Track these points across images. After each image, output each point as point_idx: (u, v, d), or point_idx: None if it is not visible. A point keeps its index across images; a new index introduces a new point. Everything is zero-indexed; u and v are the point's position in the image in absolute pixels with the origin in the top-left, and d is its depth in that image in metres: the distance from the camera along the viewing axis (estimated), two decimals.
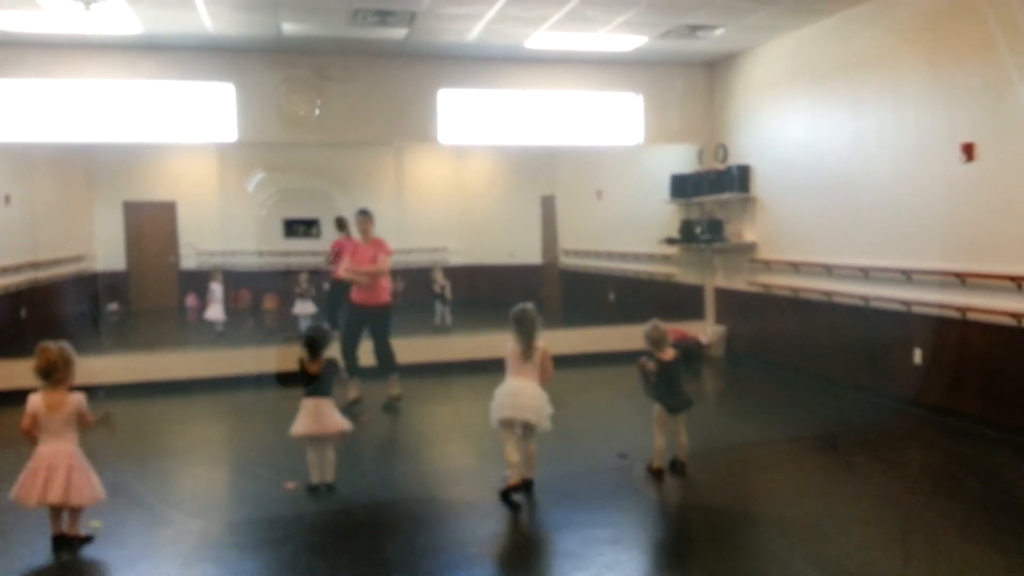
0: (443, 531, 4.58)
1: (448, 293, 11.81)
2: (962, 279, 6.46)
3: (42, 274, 10.45)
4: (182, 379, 8.46)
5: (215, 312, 11.43)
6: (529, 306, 5.11)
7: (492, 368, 5.34)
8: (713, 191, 9.73)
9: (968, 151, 6.36)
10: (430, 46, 8.78)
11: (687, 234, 10.12)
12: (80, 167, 12.64)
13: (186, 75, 8.65)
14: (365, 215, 7.60)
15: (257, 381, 8.29)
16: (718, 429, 6.74)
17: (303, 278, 11.41)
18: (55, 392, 4.26)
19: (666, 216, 10.69)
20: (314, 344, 5.19)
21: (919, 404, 6.90)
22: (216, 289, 11.52)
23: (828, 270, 7.99)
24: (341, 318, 8.32)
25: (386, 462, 6.19)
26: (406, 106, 9.27)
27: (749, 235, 9.42)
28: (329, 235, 11.67)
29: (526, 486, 5.06)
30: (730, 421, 7.27)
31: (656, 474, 5.34)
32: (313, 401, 5.12)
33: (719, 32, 8.38)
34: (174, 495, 5.27)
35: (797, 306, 8.57)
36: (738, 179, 9.34)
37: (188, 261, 13.72)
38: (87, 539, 4.33)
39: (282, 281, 12.72)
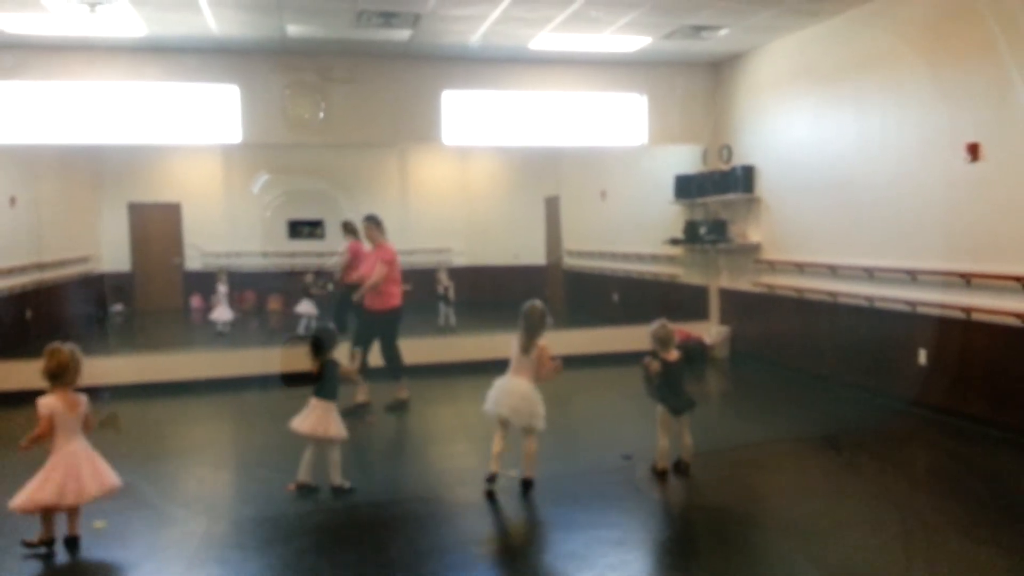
0: (447, 531, 4.59)
1: (452, 294, 11.82)
2: (967, 279, 6.44)
3: (47, 275, 10.49)
4: (187, 380, 8.47)
5: (222, 313, 11.46)
6: (538, 303, 5.15)
7: (496, 369, 5.34)
8: (717, 191, 9.72)
9: (973, 151, 6.35)
10: (434, 47, 8.79)
11: (691, 235, 10.11)
12: (85, 169, 12.67)
13: (191, 77, 8.68)
14: (371, 221, 7.59)
15: (262, 382, 8.31)
16: (722, 430, 6.73)
17: (309, 278, 11.43)
18: (65, 393, 4.29)
19: (670, 217, 10.69)
20: (319, 344, 5.21)
21: (923, 404, 6.89)
22: (222, 290, 11.56)
23: (832, 270, 7.98)
24: (349, 321, 8.33)
25: (390, 463, 6.20)
26: (410, 107, 9.28)
27: (753, 236, 9.41)
28: (333, 236, 11.69)
29: (524, 486, 5.07)
30: (734, 422, 7.27)
31: (660, 475, 5.33)
32: (315, 402, 5.14)
33: (723, 33, 8.38)
34: (179, 495, 5.28)
35: (801, 307, 8.56)
36: (742, 179, 9.34)
37: (193, 262, 13.76)
38: (77, 539, 4.33)
39: (287, 282, 12.74)
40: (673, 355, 5.39)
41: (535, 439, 5.11)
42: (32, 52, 8.21)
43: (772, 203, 9.12)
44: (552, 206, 14.10)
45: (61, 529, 4.32)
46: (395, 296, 7.56)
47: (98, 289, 12.76)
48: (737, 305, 9.86)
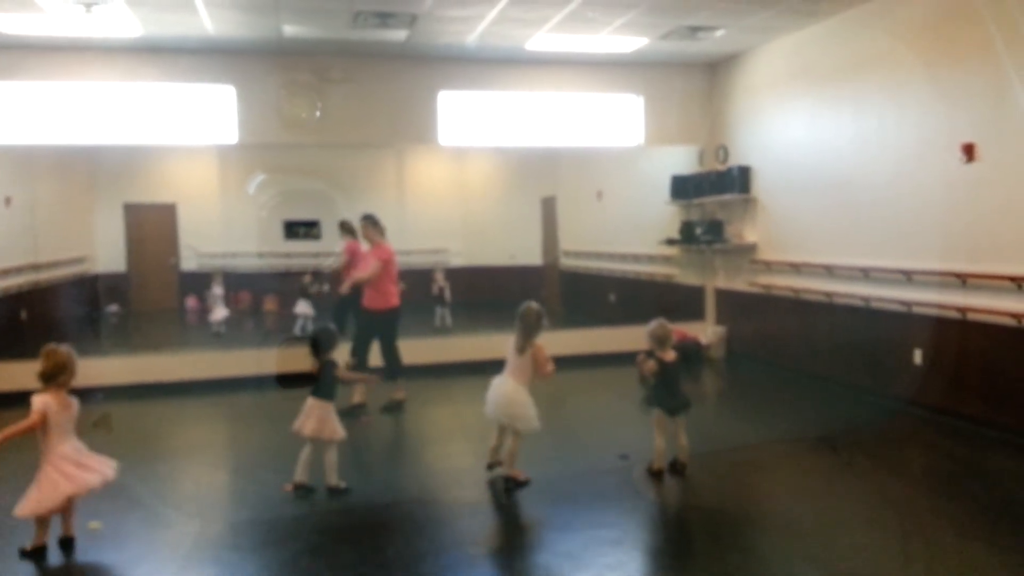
0: (444, 532, 4.58)
1: (448, 294, 11.81)
2: (962, 279, 6.46)
3: (43, 276, 10.46)
4: (182, 381, 8.46)
5: (217, 314, 11.43)
6: (534, 304, 5.16)
7: (492, 369, 5.34)
8: (714, 192, 9.73)
9: (969, 151, 6.36)
10: (431, 48, 8.78)
11: (687, 235, 10.12)
12: (81, 169, 12.64)
13: (187, 77, 8.66)
14: (367, 221, 7.58)
15: (257, 383, 8.29)
16: (719, 430, 6.73)
17: (308, 278, 11.42)
18: (60, 393, 4.28)
19: (667, 217, 10.69)
20: (319, 344, 5.20)
21: (919, 405, 6.90)
22: (217, 291, 11.53)
23: (829, 271, 7.99)
24: (349, 321, 8.32)
25: (386, 464, 6.19)
26: (407, 108, 9.27)
27: (750, 236, 9.42)
28: (329, 236, 11.68)
29: (513, 485, 5.10)
30: (731, 422, 7.27)
31: (656, 475, 5.33)
32: (316, 403, 5.13)
33: (719, 33, 8.38)
34: (174, 497, 5.26)
35: (798, 307, 8.57)
36: (739, 180, 9.34)
37: (188, 263, 13.73)
38: (72, 540, 4.33)
39: (283, 283, 12.72)
40: (670, 355, 5.39)
41: (517, 439, 5.14)
42: (28, 52, 8.19)
43: (768, 203, 9.12)
44: (548, 206, 14.10)
45: (56, 530, 4.30)
46: (394, 295, 7.55)
47: (93, 290, 12.72)
48: (733, 305, 9.86)
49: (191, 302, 13.42)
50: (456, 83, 9.37)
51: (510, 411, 5.11)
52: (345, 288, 7.63)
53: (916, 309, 6.94)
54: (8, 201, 9.58)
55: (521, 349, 5.13)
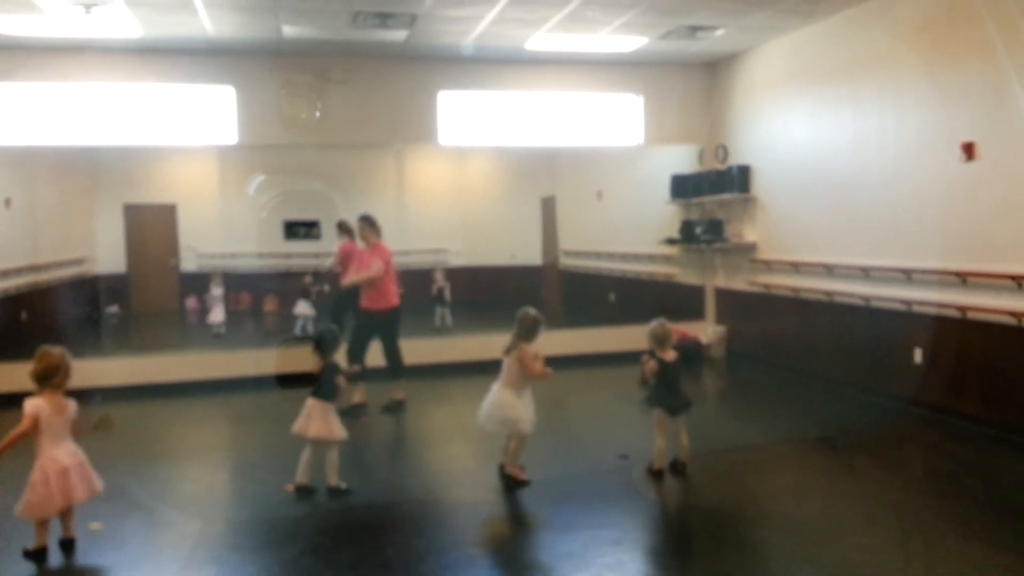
0: (444, 533, 4.58)
1: (447, 294, 11.81)
2: (962, 278, 6.46)
3: (43, 277, 10.47)
4: (182, 381, 8.46)
5: (216, 315, 11.43)
6: (532, 310, 5.17)
7: (492, 369, 5.34)
8: (713, 191, 9.73)
9: (968, 151, 6.36)
10: (431, 48, 8.78)
11: (687, 234, 10.12)
12: (81, 170, 12.65)
13: (186, 78, 8.67)
14: (366, 221, 7.57)
15: (257, 383, 8.29)
16: (719, 430, 6.73)
17: (308, 279, 11.42)
18: (54, 396, 4.27)
19: (666, 216, 10.69)
20: (322, 345, 5.20)
21: (920, 404, 6.90)
22: (216, 292, 11.52)
23: (828, 270, 7.99)
24: (347, 321, 8.33)
25: (386, 464, 6.19)
26: (406, 108, 9.27)
27: (749, 235, 9.42)
28: (329, 237, 11.69)
29: (513, 483, 5.12)
30: (731, 422, 7.27)
31: (657, 475, 5.33)
32: (313, 403, 5.13)
33: (719, 33, 8.38)
34: (174, 497, 5.26)
35: (797, 306, 8.57)
36: (738, 179, 9.35)
37: (188, 264, 13.74)
38: (72, 541, 4.32)
39: (283, 283, 12.73)
40: (670, 355, 5.39)
41: (518, 440, 5.17)
42: (28, 54, 8.19)
43: (768, 203, 9.13)
44: (548, 206, 14.10)
45: (56, 532, 4.30)
46: (394, 295, 7.54)
47: (93, 291, 12.73)
48: (733, 305, 9.86)
49: (191, 303, 13.43)
50: (456, 83, 9.37)
51: (498, 415, 5.13)
52: (347, 282, 7.59)
53: (916, 308, 6.94)
54: (8, 202, 9.59)
55: (507, 350, 5.16)
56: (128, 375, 8.39)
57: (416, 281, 11.88)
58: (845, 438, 6.31)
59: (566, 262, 13.67)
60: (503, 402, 5.13)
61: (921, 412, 6.85)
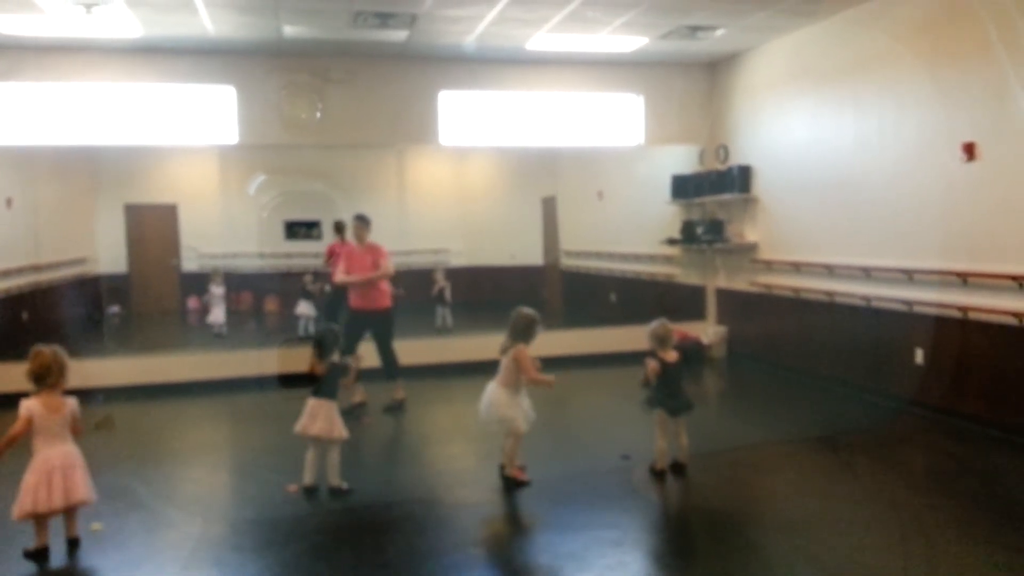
0: (445, 533, 4.58)
1: (448, 294, 11.81)
2: (963, 279, 6.45)
3: (44, 277, 10.47)
4: (183, 382, 8.46)
5: (216, 315, 11.43)
6: (527, 310, 5.18)
7: (493, 370, 5.33)
8: (714, 191, 9.73)
9: (969, 151, 6.35)
10: (431, 48, 8.78)
11: (688, 235, 10.11)
12: (82, 170, 12.66)
13: (187, 78, 8.67)
14: (363, 221, 7.58)
15: (258, 383, 8.29)
16: (720, 430, 6.73)
17: (308, 278, 11.43)
18: (50, 395, 4.26)
19: (667, 217, 10.69)
20: (322, 345, 5.20)
21: (921, 404, 6.89)
22: (216, 292, 11.52)
23: (829, 270, 7.99)
24: (342, 319, 8.31)
25: (388, 464, 6.19)
26: (407, 108, 9.27)
27: (750, 235, 9.42)
28: (330, 236, 11.68)
29: (513, 484, 5.13)
30: (732, 422, 7.27)
31: (658, 476, 5.33)
32: (320, 403, 5.13)
33: (719, 33, 8.38)
34: (176, 497, 5.27)
35: (798, 306, 8.57)
36: (739, 179, 9.34)
37: (189, 264, 13.75)
38: (77, 541, 4.32)
39: (284, 283, 12.74)
40: (672, 355, 5.39)
41: (514, 440, 5.17)
42: (28, 53, 8.19)
43: (769, 203, 9.12)
44: (549, 206, 14.10)
45: (60, 532, 4.30)
46: (386, 296, 7.54)
47: (95, 291, 12.74)
48: (734, 305, 9.86)
49: (192, 303, 13.43)
50: (456, 83, 9.36)
51: (493, 414, 5.15)
52: (352, 280, 7.49)
53: (917, 308, 6.93)
54: (9, 202, 9.59)
55: (503, 350, 5.17)
56: (129, 375, 8.39)
57: (417, 281, 11.90)
58: (846, 438, 6.31)
59: (567, 262, 13.67)
60: (497, 401, 5.14)
61: (922, 412, 6.84)
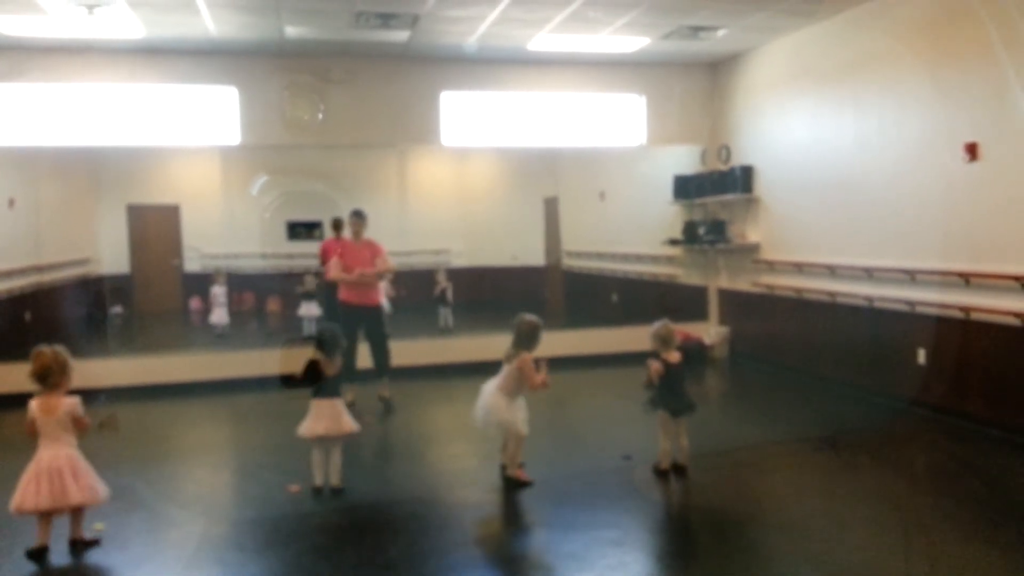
0: (447, 532, 4.58)
1: (450, 295, 11.82)
2: (966, 279, 6.45)
3: (46, 277, 10.49)
4: (186, 382, 8.47)
5: (218, 316, 11.43)
6: (531, 317, 5.17)
7: (494, 370, 5.34)
8: (716, 192, 9.73)
9: (971, 151, 6.35)
10: (433, 48, 8.79)
11: (690, 235, 10.11)
12: (84, 171, 12.68)
13: (189, 79, 8.68)
14: (360, 216, 7.58)
15: (261, 384, 8.30)
16: (722, 430, 6.73)
17: (308, 279, 11.43)
18: (51, 396, 4.26)
19: (669, 217, 10.69)
20: (323, 345, 5.21)
21: (923, 404, 6.89)
22: (219, 292, 11.52)
23: (832, 270, 7.98)
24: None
25: (389, 464, 6.19)
26: (409, 108, 9.28)
27: (752, 236, 9.41)
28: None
29: (515, 484, 5.13)
30: (733, 422, 7.27)
31: (662, 475, 5.33)
32: (324, 402, 5.13)
33: (721, 33, 8.38)
34: (178, 497, 5.27)
35: (801, 307, 8.56)
36: (741, 180, 9.34)
37: (192, 264, 13.77)
38: (92, 543, 4.33)
39: (286, 283, 12.75)
40: (674, 356, 5.39)
41: (517, 442, 5.17)
42: (30, 54, 8.21)
43: (771, 203, 9.12)
44: (551, 207, 14.10)
45: (64, 531, 4.31)
46: (378, 293, 7.54)
47: (97, 291, 12.76)
48: (736, 305, 9.86)
49: (194, 303, 13.45)
50: (458, 83, 9.37)
51: (492, 419, 5.16)
52: (357, 277, 7.43)
53: (919, 309, 6.93)
54: (12, 203, 9.61)
55: (508, 358, 5.16)
56: (132, 375, 8.40)
57: (418, 282, 11.91)
58: (848, 438, 6.31)
59: (569, 263, 13.67)
60: (495, 406, 5.14)
61: (924, 413, 6.84)
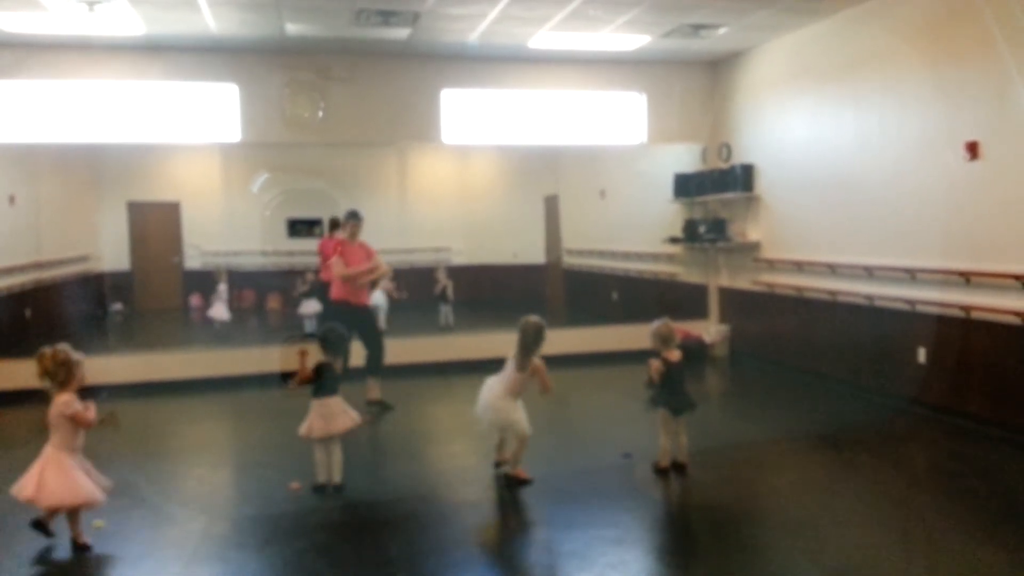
0: (446, 530, 4.59)
1: (450, 293, 11.82)
2: (966, 278, 6.45)
3: (46, 274, 10.49)
4: (186, 379, 8.47)
5: (218, 311, 11.43)
6: (535, 318, 5.17)
7: (494, 368, 5.35)
8: (716, 190, 9.72)
9: (972, 150, 6.35)
10: (433, 46, 8.78)
11: (690, 233, 10.11)
12: (85, 167, 12.67)
13: (189, 76, 8.67)
14: (358, 218, 7.57)
15: (261, 381, 8.30)
16: (722, 428, 6.74)
17: (310, 276, 11.43)
18: (58, 394, 4.29)
19: (669, 215, 10.69)
20: (326, 344, 5.21)
21: (923, 403, 6.89)
22: (222, 290, 11.54)
23: (832, 269, 7.98)
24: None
25: (389, 462, 6.19)
26: (409, 106, 9.27)
27: (753, 234, 9.41)
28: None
29: (516, 483, 5.12)
30: (733, 420, 7.27)
31: (662, 473, 5.34)
32: (324, 400, 5.13)
33: (722, 31, 8.37)
34: (178, 494, 5.28)
35: (801, 305, 8.56)
36: (742, 178, 9.33)
37: (192, 261, 13.77)
38: (83, 547, 4.27)
39: (286, 281, 12.75)
40: (675, 354, 5.39)
41: (520, 441, 5.16)
42: (31, 51, 8.20)
43: (771, 202, 9.12)
44: (551, 205, 14.10)
45: (64, 530, 4.32)
46: (368, 293, 7.59)
47: (97, 288, 12.77)
48: (736, 304, 9.86)
49: (195, 300, 13.45)
50: (459, 81, 9.36)
51: (497, 420, 5.17)
52: (361, 281, 7.44)
53: (920, 307, 6.93)
54: (12, 199, 9.61)
55: (523, 368, 5.14)
56: (132, 372, 8.40)
57: (419, 280, 11.91)
58: (848, 437, 6.32)
59: (569, 261, 13.67)
60: (502, 407, 5.14)
61: (924, 411, 6.84)
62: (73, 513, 4.28)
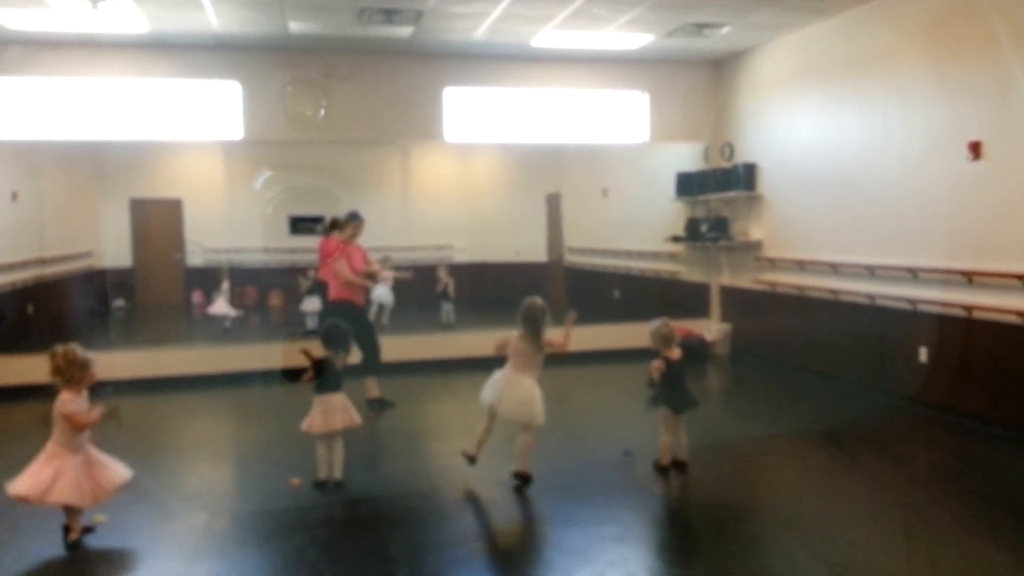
0: (447, 527, 4.60)
1: (451, 290, 11.83)
2: (968, 277, 6.44)
3: (49, 270, 10.50)
4: (188, 375, 8.49)
5: (220, 308, 11.43)
6: (538, 300, 5.17)
7: (496, 365, 5.35)
8: (719, 189, 9.72)
9: (975, 149, 6.34)
10: (436, 44, 8.79)
11: (693, 232, 10.11)
12: (87, 164, 12.70)
13: (193, 73, 8.68)
14: (360, 219, 7.58)
15: (262, 378, 8.31)
16: (723, 426, 6.74)
17: (312, 273, 11.44)
18: (65, 392, 4.29)
19: (672, 214, 10.69)
20: (329, 341, 5.22)
21: (924, 402, 6.89)
22: (225, 287, 11.55)
23: (834, 268, 7.98)
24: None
25: (390, 458, 6.20)
26: (412, 104, 9.27)
27: (755, 233, 9.41)
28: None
29: (521, 480, 5.09)
30: (735, 418, 7.27)
31: (662, 471, 5.34)
32: (328, 397, 5.14)
33: (725, 30, 8.37)
34: (180, 490, 5.29)
35: (803, 304, 8.56)
36: (744, 177, 9.33)
37: (194, 258, 13.78)
38: (74, 543, 4.28)
39: (288, 278, 12.77)
40: (675, 353, 5.39)
41: (533, 435, 5.12)
42: (35, 48, 8.21)
43: (773, 201, 9.11)
44: (553, 203, 14.10)
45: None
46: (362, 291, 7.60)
47: (100, 284, 12.79)
48: (738, 302, 9.86)
49: (197, 297, 13.47)
50: (461, 79, 9.37)
51: (530, 409, 5.08)
52: (360, 281, 7.45)
53: (921, 307, 6.93)
54: (15, 196, 9.62)
55: (538, 347, 5.12)
56: (134, 368, 8.40)
57: (421, 277, 11.91)
58: (849, 435, 6.32)
59: (571, 259, 13.67)
60: (533, 394, 5.07)
61: (926, 411, 6.84)
62: (69, 507, 4.29)
